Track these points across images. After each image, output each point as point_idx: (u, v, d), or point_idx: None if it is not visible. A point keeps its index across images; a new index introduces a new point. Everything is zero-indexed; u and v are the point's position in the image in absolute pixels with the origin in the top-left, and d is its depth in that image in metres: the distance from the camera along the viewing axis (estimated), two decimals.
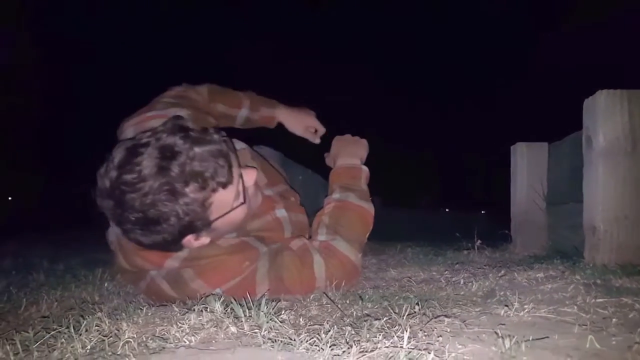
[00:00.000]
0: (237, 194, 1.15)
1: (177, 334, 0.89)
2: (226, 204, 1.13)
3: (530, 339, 0.80)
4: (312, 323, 0.98)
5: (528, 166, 2.00)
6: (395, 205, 7.98)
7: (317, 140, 1.87)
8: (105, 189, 1.04)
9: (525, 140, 2.05)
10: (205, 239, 1.17)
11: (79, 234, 4.32)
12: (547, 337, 0.82)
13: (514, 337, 0.80)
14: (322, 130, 1.87)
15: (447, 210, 9.45)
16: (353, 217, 1.46)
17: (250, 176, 1.21)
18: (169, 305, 1.13)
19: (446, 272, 1.57)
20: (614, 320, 0.90)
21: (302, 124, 1.84)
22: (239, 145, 1.44)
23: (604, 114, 1.36)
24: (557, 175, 1.92)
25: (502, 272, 1.44)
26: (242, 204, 1.17)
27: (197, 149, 1.04)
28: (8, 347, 0.84)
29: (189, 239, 1.14)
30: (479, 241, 1.98)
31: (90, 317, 1.00)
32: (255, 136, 1.77)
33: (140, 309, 1.08)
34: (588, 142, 1.41)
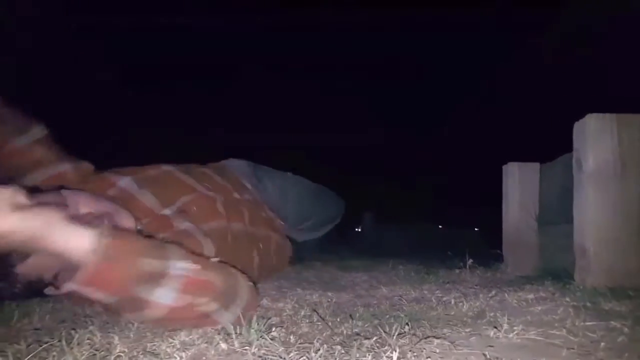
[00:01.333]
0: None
1: (168, 350, 0.90)
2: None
3: None
4: (302, 341, 0.99)
5: (520, 186, 2.02)
6: (388, 221, 7.99)
7: None
8: None
9: (516, 160, 2.08)
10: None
11: None
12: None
13: (502, 359, 0.81)
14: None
15: (440, 226, 9.45)
16: None
17: None
18: None
19: (437, 291, 1.58)
20: (602, 344, 0.91)
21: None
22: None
23: (594, 138, 1.38)
24: (548, 196, 1.94)
25: (493, 292, 1.45)
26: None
27: None
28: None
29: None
30: (471, 260, 1.99)
31: (81, 330, 1.01)
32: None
33: (132, 323, 1.08)
34: (578, 164, 1.44)
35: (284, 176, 2.06)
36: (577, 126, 1.45)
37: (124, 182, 1.44)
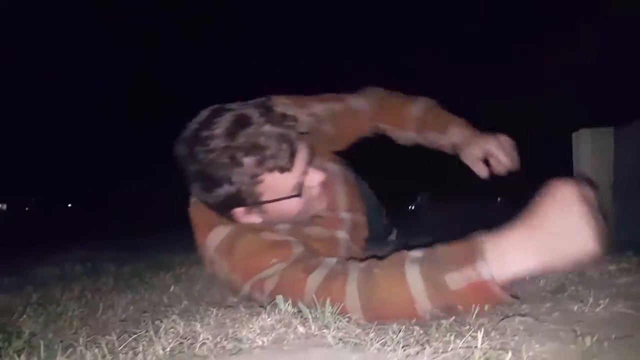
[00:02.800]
0: (295, 186, 1.15)
1: (249, 335, 0.91)
2: (280, 189, 1.14)
3: (613, 337, 0.77)
4: (378, 323, 0.98)
5: (593, 154, 1.91)
6: (447, 197, 7.84)
7: (485, 174, 1.47)
8: (184, 138, 1.13)
9: (587, 126, 1.97)
10: (255, 218, 1.19)
11: (139, 238, 4.49)
12: (630, 335, 0.79)
13: (594, 334, 0.77)
14: (504, 161, 1.41)
15: (499, 199, 9.17)
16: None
17: (315, 177, 1.19)
18: (237, 306, 1.16)
19: None
20: None
21: (480, 151, 1.44)
22: (332, 166, 1.45)
23: None
24: (624, 163, 1.84)
25: None
26: (297, 196, 1.16)
27: (268, 127, 1.08)
28: (96, 351, 0.89)
29: (239, 212, 1.17)
30: None
31: (165, 320, 1.04)
32: None
33: (210, 310, 1.12)
34: None
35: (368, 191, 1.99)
36: None
37: (335, 169, 1.49)
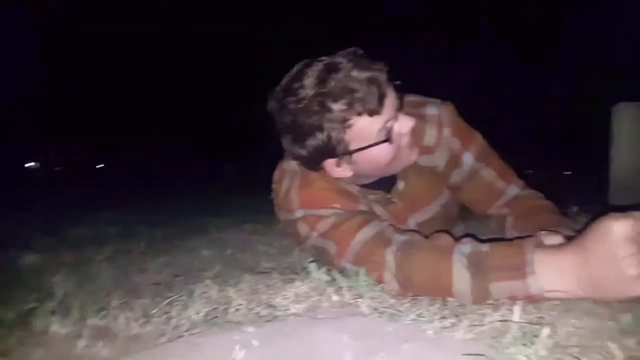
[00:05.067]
0: (384, 130, 1.11)
1: (283, 302, 0.92)
2: (368, 134, 1.11)
3: None
4: (411, 294, 0.98)
5: (632, 129, 1.85)
6: None
7: None
8: (275, 92, 1.13)
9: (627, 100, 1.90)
10: (346, 170, 1.17)
11: (171, 201, 4.56)
12: None
13: (631, 311, 0.76)
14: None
15: (530, 171, 8.99)
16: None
17: (406, 123, 1.14)
18: (270, 273, 1.17)
19: None
20: None
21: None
22: None
23: None
24: None
25: None
26: (386, 141, 1.12)
27: (356, 71, 1.07)
28: (130, 314, 0.91)
29: (330, 163, 1.16)
30: (575, 207, 1.88)
31: (198, 284, 1.06)
32: None
33: (243, 275, 1.13)
34: None
35: None
36: None
37: None
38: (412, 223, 1.34)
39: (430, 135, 1.28)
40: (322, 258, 1.15)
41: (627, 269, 0.79)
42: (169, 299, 0.98)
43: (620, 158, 1.92)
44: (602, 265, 0.81)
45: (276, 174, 1.28)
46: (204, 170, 13.13)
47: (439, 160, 1.30)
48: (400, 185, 1.29)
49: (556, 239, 0.93)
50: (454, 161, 1.30)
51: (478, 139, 1.32)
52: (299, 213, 1.16)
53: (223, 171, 13.81)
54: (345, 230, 1.09)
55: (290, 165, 1.23)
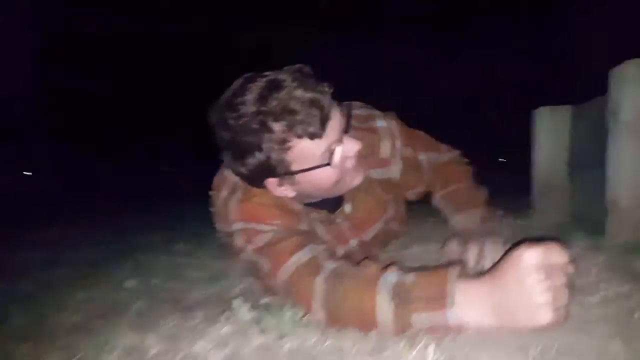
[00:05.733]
0: (327, 152, 1.09)
1: (204, 349, 0.90)
2: (310, 157, 1.08)
3: (556, 346, 0.79)
4: (337, 330, 0.96)
5: (551, 131, 1.93)
6: None
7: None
8: (216, 106, 1.10)
9: (546, 104, 1.98)
10: (288, 190, 1.14)
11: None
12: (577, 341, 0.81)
13: (539, 344, 0.79)
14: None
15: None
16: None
17: (351, 146, 1.12)
18: (195, 309, 1.14)
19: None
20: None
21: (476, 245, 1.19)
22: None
23: (633, 86, 1.29)
24: (580, 140, 1.86)
25: None
26: (327, 165, 1.10)
27: (300, 91, 1.03)
28: None
29: (271, 182, 1.13)
30: (501, 212, 1.94)
31: (117, 328, 1.02)
32: None
33: (165, 314, 1.10)
34: (613, 115, 1.35)
35: None
36: (614, 73, 1.35)
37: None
38: (353, 243, 1.35)
39: (385, 148, 1.31)
40: (255, 273, 1.15)
41: (535, 296, 0.81)
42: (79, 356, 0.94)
43: (540, 160, 2.01)
44: (513, 293, 0.84)
45: (216, 180, 1.26)
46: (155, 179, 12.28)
47: (394, 172, 1.34)
48: (347, 207, 1.30)
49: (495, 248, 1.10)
50: (412, 166, 1.38)
51: (421, 135, 1.44)
52: (237, 225, 1.15)
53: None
54: (281, 250, 1.08)
55: (231, 173, 1.20)
